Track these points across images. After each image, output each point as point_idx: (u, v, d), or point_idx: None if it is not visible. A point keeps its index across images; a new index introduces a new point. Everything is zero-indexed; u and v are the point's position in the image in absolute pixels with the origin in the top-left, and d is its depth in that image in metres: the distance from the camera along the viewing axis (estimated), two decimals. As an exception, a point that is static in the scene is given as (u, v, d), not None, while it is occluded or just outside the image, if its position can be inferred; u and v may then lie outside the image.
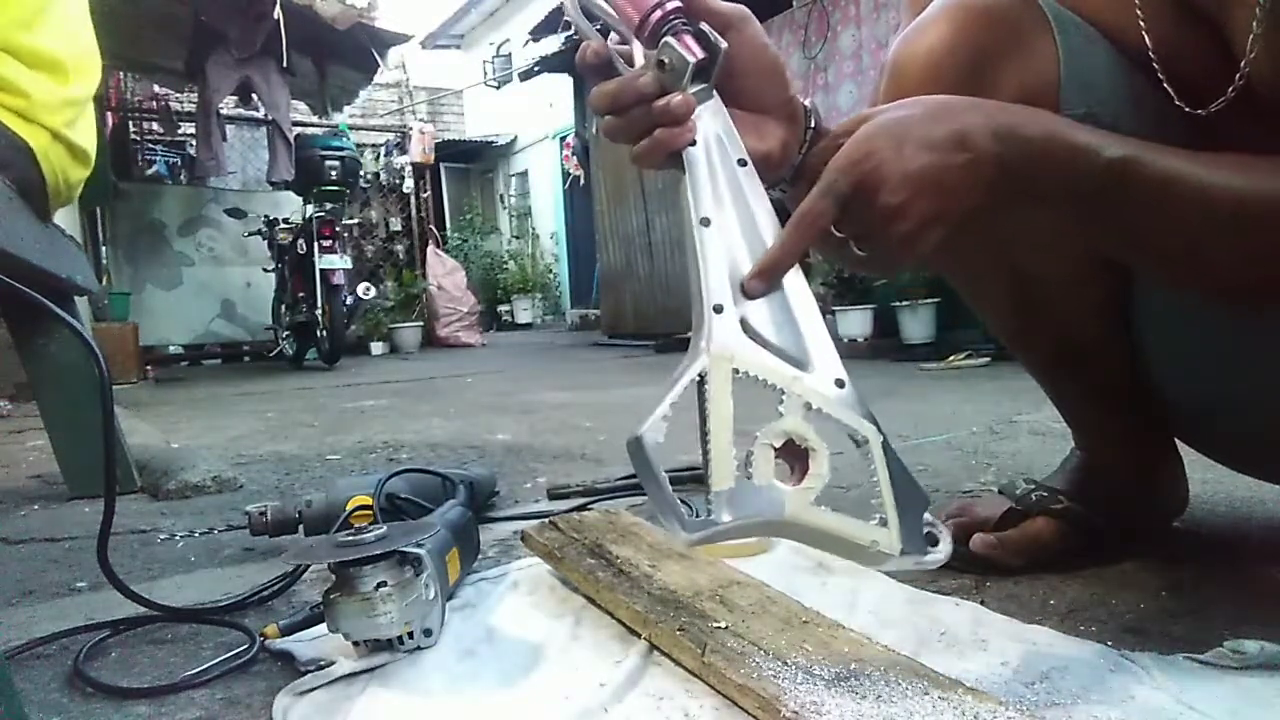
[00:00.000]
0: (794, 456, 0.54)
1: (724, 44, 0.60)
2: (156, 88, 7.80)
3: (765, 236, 0.59)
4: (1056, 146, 0.60)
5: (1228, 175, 0.61)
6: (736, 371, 0.54)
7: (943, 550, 0.56)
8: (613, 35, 0.64)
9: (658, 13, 0.59)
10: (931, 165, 0.58)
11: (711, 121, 0.61)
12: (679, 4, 0.60)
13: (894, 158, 0.58)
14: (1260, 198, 0.60)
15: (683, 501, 0.54)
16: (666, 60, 0.59)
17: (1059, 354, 0.92)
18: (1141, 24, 0.69)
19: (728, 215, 0.59)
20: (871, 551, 0.55)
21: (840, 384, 0.56)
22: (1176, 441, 0.96)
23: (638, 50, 0.62)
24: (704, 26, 0.60)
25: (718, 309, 0.56)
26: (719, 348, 0.54)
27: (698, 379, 0.53)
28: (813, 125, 0.70)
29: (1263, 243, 0.62)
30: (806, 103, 0.70)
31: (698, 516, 0.52)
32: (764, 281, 0.58)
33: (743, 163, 0.61)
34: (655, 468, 0.51)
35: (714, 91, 0.62)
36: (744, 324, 0.56)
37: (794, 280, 0.59)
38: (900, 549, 0.55)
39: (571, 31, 7.43)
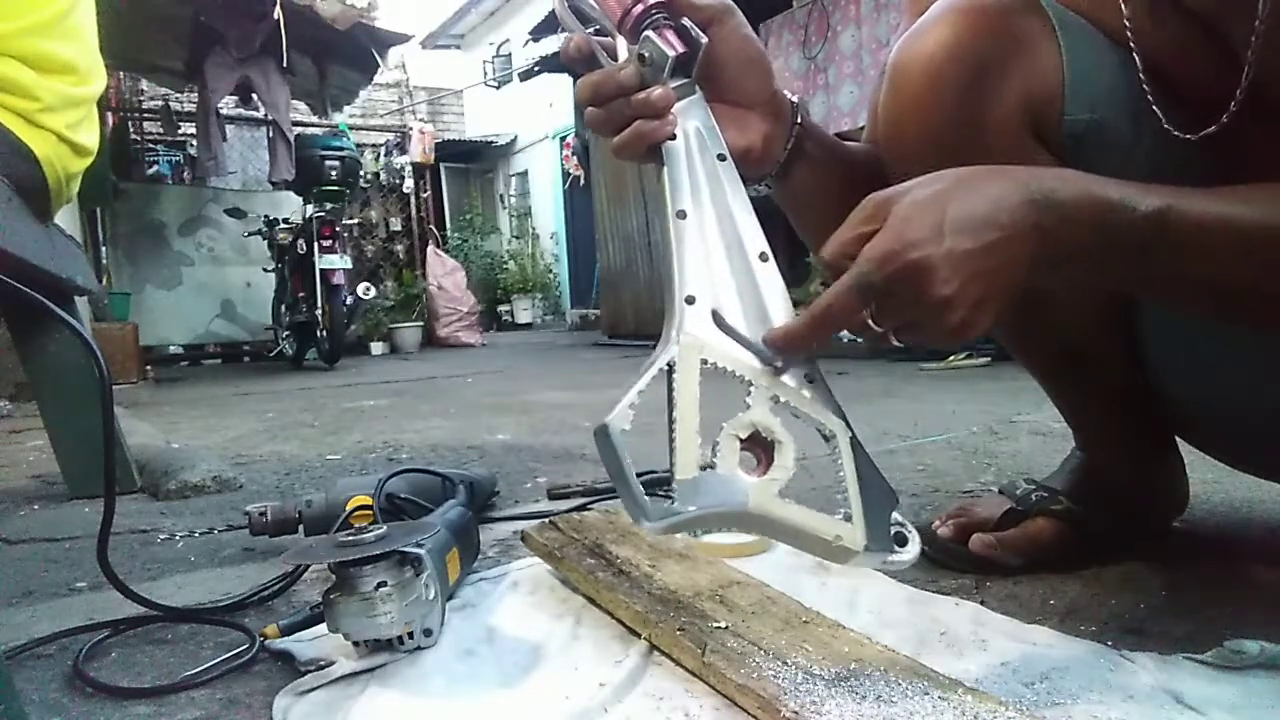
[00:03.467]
0: (760, 448, 0.54)
1: (704, 39, 0.61)
2: (147, 86, 7.79)
3: (741, 231, 0.59)
4: (1091, 206, 0.57)
5: (1262, 210, 0.59)
6: (705, 362, 0.54)
7: (910, 551, 0.55)
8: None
9: (639, 7, 0.60)
10: (977, 248, 0.54)
11: (692, 115, 0.62)
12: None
13: (936, 247, 0.53)
14: None
15: (664, 495, 0.53)
16: (646, 54, 0.60)
17: (1059, 355, 0.92)
18: (1129, 33, 0.68)
19: (704, 209, 0.60)
20: (835, 546, 0.54)
21: (810, 379, 0.56)
22: (1177, 441, 0.96)
23: (622, 45, 0.62)
24: (685, 21, 0.61)
25: (690, 300, 0.56)
26: (689, 338, 0.54)
27: (666, 368, 0.53)
28: (798, 121, 0.70)
29: None
30: (794, 98, 0.70)
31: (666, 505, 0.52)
32: (778, 348, 0.56)
33: (722, 157, 0.61)
34: (621, 456, 0.51)
35: (696, 86, 0.63)
36: (716, 316, 0.56)
37: (767, 274, 0.59)
38: (864, 545, 0.54)
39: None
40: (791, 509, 0.54)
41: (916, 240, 0.53)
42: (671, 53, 0.59)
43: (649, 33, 0.60)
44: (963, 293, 0.54)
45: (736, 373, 0.55)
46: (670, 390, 0.53)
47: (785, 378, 0.56)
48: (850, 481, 0.55)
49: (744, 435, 0.54)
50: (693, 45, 0.60)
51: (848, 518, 0.55)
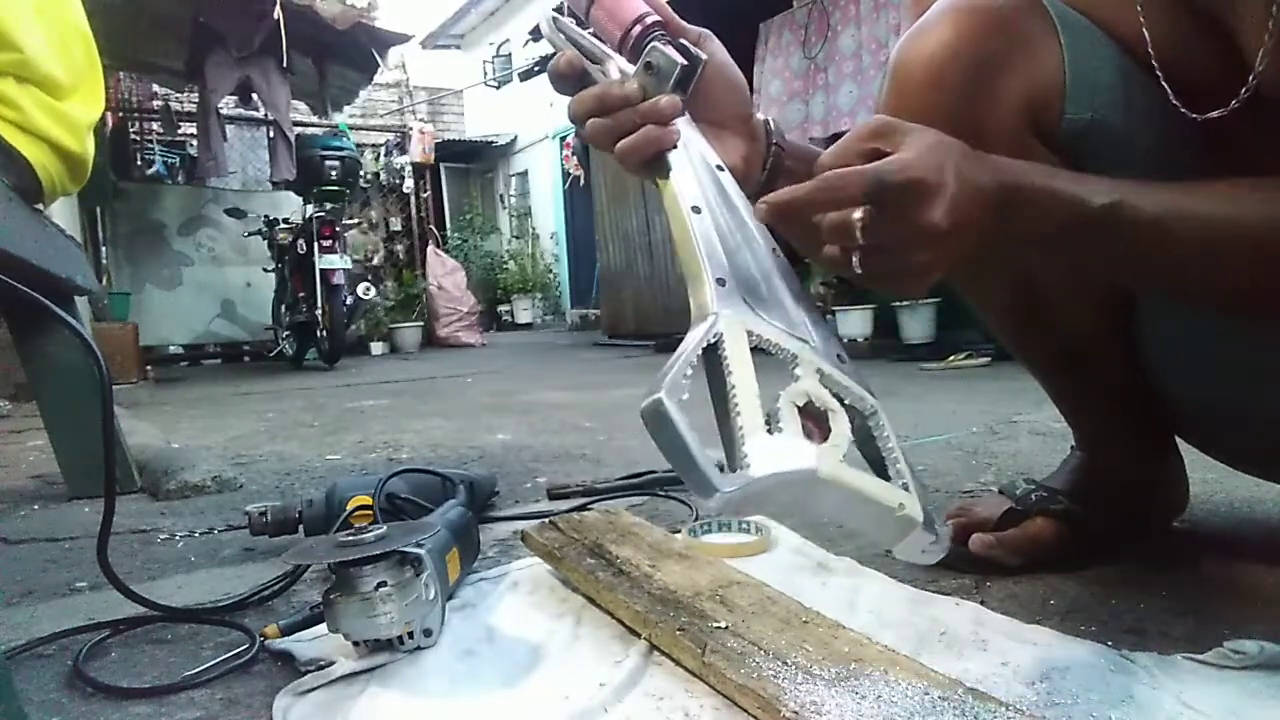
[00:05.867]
0: (812, 420, 0.53)
1: (704, 55, 0.64)
2: (156, 88, 7.80)
3: (753, 228, 0.61)
4: (1048, 198, 0.60)
5: (1224, 205, 0.62)
6: (751, 334, 0.54)
7: (945, 536, 0.56)
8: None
9: (638, 27, 0.64)
10: (977, 197, 0.57)
11: (687, 130, 0.64)
12: (659, 19, 0.64)
13: (947, 180, 0.55)
14: (1259, 225, 0.61)
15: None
16: (653, 62, 0.62)
17: (1060, 355, 0.92)
18: (1142, 22, 0.69)
19: (715, 210, 0.61)
20: (898, 516, 0.53)
21: (842, 359, 0.57)
22: (1177, 441, 0.96)
23: (611, 67, 0.65)
24: (683, 41, 0.64)
25: (720, 282, 0.56)
26: (730, 314, 0.54)
27: (711, 341, 0.52)
28: (774, 142, 0.72)
29: (1265, 269, 0.62)
30: (769, 121, 0.73)
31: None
32: (774, 213, 0.57)
33: (720, 168, 0.64)
34: (680, 426, 0.48)
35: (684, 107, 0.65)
36: (745, 300, 0.57)
37: (783, 266, 0.60)
38: (921, 518, 0.54)
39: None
40: (859, 475, 0.52)
41: (933, 167, 0.55)
42: (681, 61, 0.62)
43: (656, 44, 0.62)
44: (946, 235, 0.55)
45: (781, 344, 0.54)
46: (723, 361, 0.52)
47: (818, 357, 0.56)
48: (899, 454, 0.55)
49: (801, 404, 0.53)
50: (693, 61, 0.63)
51: (905, 487, 0.54)
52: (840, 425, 0.53)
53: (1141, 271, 0.67)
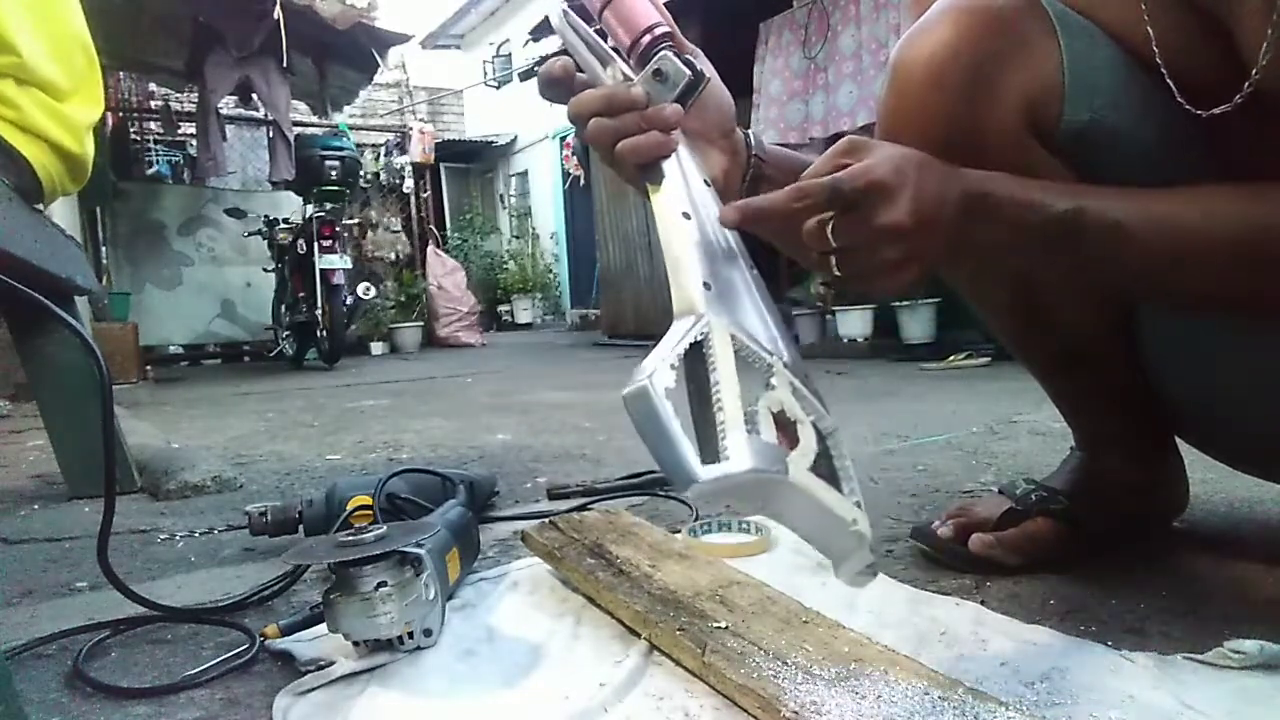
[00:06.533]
0: (782, 429, 0.54)
1: (708, 74, 0.65)
2: (156, 87, 7.81)
3: (733, 243, 0.62)
4: (1012, 205, 0.63)
5: (1199, 210, 0.64)
6: (734, 338, 0.54)
7: (877, 565, 0.59)
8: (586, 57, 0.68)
9: (647, 37, 0.65)
10: (936, 198, 0.60)
11: (680, 143, 0.66)
12: (669, 29, 0.65)
13: (903, 181, 0.59)
14: (1237, 230, 0.63)
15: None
16: (663, 70, 0.63)
17: (1060, 355, 0.92)
18: (1146, 21, 0.69)
19: (703, 220, 0.62)
20: (850, 531, 0.54)
21: (807, 380, 0.58)
22: (1177, 441, 0.96)
23: (613, 70, 0.66)
24: (688, 56, 0.65)
25: (707, 285, 0.56)
26: (715, 317, 0.54)
27: (698, 339, 0.52)
28: (754, 153, 0.75)
29: (1243, 272, 0.65)
30: (749, 134, 0.76)
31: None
32: (744, 216, 0.60)
33: (707, 182, 0.65)
34: (665, 413, 0.47)
35: None
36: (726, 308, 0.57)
37: (760, 284, 0.61)
38: (870, 536, 0.55)
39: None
40: (823, 485, 0.53)
41: (890, 171, 0.59)
42: (689, 72, 0.63)
43: (667, 53, 0.64)
44: (910, 234, 0.59)
45: (759, 354, 0.55)
46: (708, 357, 0.52)
47: (789, 372, 0.56)
48: (854, 475, 0.56)
49: (775, 411, 0.54)
50: (698, 75, 0.64)
51: (857, 504, 0.55)
52: (808, 437, 0.54)
53: (1109, 273, 0.70)
